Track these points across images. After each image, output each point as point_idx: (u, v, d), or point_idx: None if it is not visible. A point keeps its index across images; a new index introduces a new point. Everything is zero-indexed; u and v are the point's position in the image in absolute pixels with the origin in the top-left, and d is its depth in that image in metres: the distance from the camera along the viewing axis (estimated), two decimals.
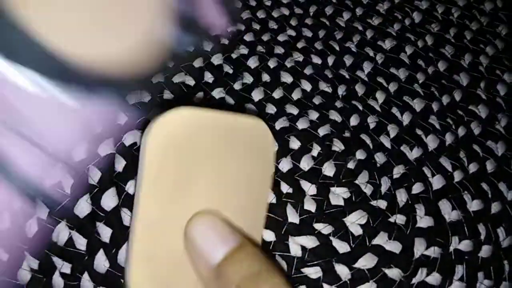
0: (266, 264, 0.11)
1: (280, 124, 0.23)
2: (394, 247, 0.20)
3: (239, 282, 0.11)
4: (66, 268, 0.19)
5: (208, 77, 0.24)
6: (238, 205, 0.14)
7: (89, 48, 0.13)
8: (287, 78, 0.24)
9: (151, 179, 0.12)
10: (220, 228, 0.12)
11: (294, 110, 0.23)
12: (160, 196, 0.12)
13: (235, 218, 0.13)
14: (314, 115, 0.23)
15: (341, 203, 0.21)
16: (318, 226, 0.20)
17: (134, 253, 0.12)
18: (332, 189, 0.21)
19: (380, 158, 0.22)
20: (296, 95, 0.24)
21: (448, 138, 0.24)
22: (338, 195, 0.21)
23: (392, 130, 0.23)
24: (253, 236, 0.14)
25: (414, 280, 0.20)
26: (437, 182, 0.22)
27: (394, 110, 0.24)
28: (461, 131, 0.24)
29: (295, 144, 0.22)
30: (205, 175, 0.13)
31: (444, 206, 0.22)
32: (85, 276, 0.19)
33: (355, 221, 0.20)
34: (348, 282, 0.19)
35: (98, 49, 0.13)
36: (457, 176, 0.23)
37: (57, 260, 0.19)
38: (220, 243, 0.12)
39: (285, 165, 0.21)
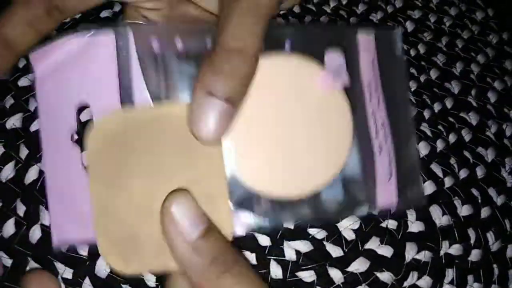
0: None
1: None
2: (386, 251, 0.21)
3: (216, 253, 0.14)
4: (68, 273, 0.19)
5: None
6: (182, 177, 0.16)
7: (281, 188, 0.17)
8: None
9: (94, 171, 0.16)
10: (195, 208, 0.15)
11: None
12: (104, 180, 0.16)
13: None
14: None
15: None
16: (312, 231, 0.21)
17: (97, 232, 0.16)
18: None
19: None
20: None
21: (439, 145, 0.25)
22: None
23: None
24: (215, 196, 0.16)
25: (406, 284, 0.20)
26: (428, 188, 0.23)
27: None
28: (452, 138, 0.25)
29: None
30: (143, 162, 0.16)
31: (435, 211, 0.22)
32: (86, 281, 0.19)
33: (348, 226, 0.21)
34: (341, 285, 0.19)
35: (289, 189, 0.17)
36: (448, 182, 0.24)
37: (59, 266, 0.19)
38: (198, 220, 0.14)
39: None
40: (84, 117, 0.18)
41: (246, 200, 0.17)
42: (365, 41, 0.19)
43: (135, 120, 0.16)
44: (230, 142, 0.17)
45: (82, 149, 0.17)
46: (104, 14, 0.25)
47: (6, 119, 0.21)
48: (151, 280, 0.20)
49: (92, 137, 0.16)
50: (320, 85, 0.18)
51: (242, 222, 0.18)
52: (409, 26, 0.30)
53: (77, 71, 0.17)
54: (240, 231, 0.17)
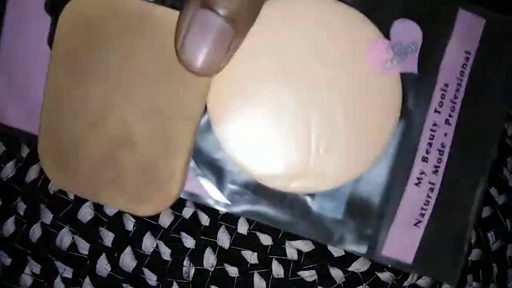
0: None
1: None
2: None
3: None
4: (68, 272, 0.19)
5: None
6: (148, 101, 0.13)
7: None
8: None
9: (58, 55, 0.13)
10: None
11: None
12: (65, 70, 0.13)
13: (138, 114, 0.13)
14: None
15: None
16: None
17: (41, 125, 0.14)
18: None
19: None
20: None
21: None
22: None
23: None
24: (174, 143, 0.13)
25: (406, 283, 0.20)
26: None
27: None
28: None
29: None
30: (110, 62, 0.13)
31: None
32: (87, 280, 0.19)
33: None
34: (342, 285, 0.19)
35: None
36: None
37: (59, 265, 0.19)
38: None
39: None
40: None
41: (218, 169, 0.14)
42: (467, 24, 0.13)
43: (120, 11, 0.13)
44: (226, 93, 0.13)
45: (53, 22, 0.15)
46: None
47: None
48: (152, 279, 0.20)
49: (66, 15, 0.14)
50: (372, 58, 0.13)
51: (198, 190, 0.14)
52: None
53: None
54: (190, 200, 0.14)
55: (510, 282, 0.22)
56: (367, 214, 0.14)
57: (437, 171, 0.14)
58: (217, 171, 0.14)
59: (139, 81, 0.13)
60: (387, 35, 0.13)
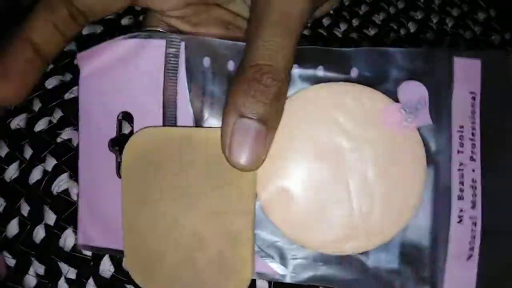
0: None
1: None
2: None
3: None
4: (72, 273, 0.19)
5: None
6: (208, 207, 0.16)
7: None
8: None
9: (127, 184, 0.16)
10: None
11: None
12: (134, 195, 0.16)
13: (204, 219, 0.16)
14: None
15: None
16: None
17: (124, 245, 0.16)
18: None
19: None
20: None
21: None
22: None
23: None
24: (238, 236, 0.15)
25: None
26: None
27: None
28: None
29: None
30: (172, 183, 0.16)
31: None
32: (90, 282, 0.19)
33: None
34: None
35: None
36: None
37: (63, 266, 0.19)
38: None
39: None
40: (125, 125, 0.19)
41: (279, 247, 0.15)
42: (465, 68, 0.15)
43: (171, 139, 0.16)
44: (272, 181, 0.15)
45: (118, 158, 0.17)
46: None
47: (10, 119, 0.21)
48: None
49: (128, 151, 0.16)
50: (389, 121, 0.15)
51: (266, 269, 0.16)
52: (412, 27, 0.30)
53: (123, 76, 0.16)
54: (261, 279, 0.16)
55: None
56: (421, 258, 0.15)
57: (474, 205, 0.15)
58: (278, 250, 0.16)
59: (198, 192, 0.16)
60: (396, 99, 0.15)
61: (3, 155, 0.21)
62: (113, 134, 0.17)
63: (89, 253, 0.20)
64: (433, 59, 0.15)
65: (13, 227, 0.20)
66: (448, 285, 0.15)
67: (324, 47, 0.16)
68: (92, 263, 0.19)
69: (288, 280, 0.16)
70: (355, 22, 0.29)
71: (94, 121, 0.17)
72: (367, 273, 0.15)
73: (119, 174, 0.17)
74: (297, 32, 0.14)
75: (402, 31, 0.29)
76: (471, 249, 0.15)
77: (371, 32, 0.29)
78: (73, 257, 0.20)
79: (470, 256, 0.15)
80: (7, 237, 0.20)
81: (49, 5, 0.16)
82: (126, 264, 0.17)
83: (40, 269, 0.19)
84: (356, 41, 0.29)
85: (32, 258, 0.19)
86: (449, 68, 0.15)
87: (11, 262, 0.19)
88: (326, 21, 0.29)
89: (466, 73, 0.15)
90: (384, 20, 0.30)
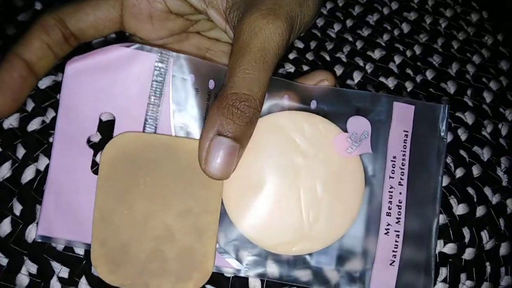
0: None
1: None
2: None
3: None
4: (64, 272, 0.19)
5: None
6: (180, 205, 0.18)
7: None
8: None
9: (103, 181, 0.17)
10: None
11: None
12: (110, 192, 0.17)
13: (174, 216, 0.18)
14: None
15: None
16: None
17: (93, 237, 0.17)
18: None
19: None
20: None
21: None
22: None
23: None
24: (204, 233, 0.18)
25: None
26: None
27: None
28: (448, 137, 0.25)
29: None
30: (148, 184, 0.18)
31: None
32: (83, 280, 0.19)
33: None
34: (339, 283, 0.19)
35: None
36: (444, 180, 0.24)
37: (55, 265, 0.19)
38: None
39: None
40: (105, 125, 0.19)
41: (236, 245, 0.18)
42: (402, 111, 0.18)
43: (150, 145, 0.18)
44: (237, 188, 0.18)
45: (94, 154, 0.18)
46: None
47: (3, 119, 0.21)
48: None
49: (108, 150, 0.18)
50: (337, 147, 0.18)
51: (223, 264, 0.18)
52: (405, 27, 0.30)
53: (111, 80, 0.18)
54: (219, 272, 0.18)
55: (503, 280, 0.22)
56: (353, 261, 0.18)
57: (399, 221, 0.18)
58: (235, 247, 0.19)
59: (171, 192, 0.18)
60: (344, 129, 0.19)
61: None
62: (92, 131, 0.18)
63: (81, 251, 0.20)
64: (378, 101, 0.18)
65: (5, 226, 0.20)
66: (374, 284, 0.18)
67: (290, 81, 0.19)
68: (84, 262, 0.19)
69: (242, 274, 0.19)
70: (349, 23, 0.29)
71: (74, 117, 0.18)
72: (310, 270, 0.18)
73: (93, 170, 0.18)
74: (273, 66, 0.17)
75: (396, 32, 0.29)
76: (394, 256, 0.18)
77: (365, 32, 0.29)
78: (66, 256, 0.20)
79: (392, 262, 0.18)
80: None
81: (44, 26, 0.18)
82: (92, 258, 0.17)
83: (33, 268, 0.19)
84: (350, 41, 0.29)
85: (25, 257, 0.19)
86: (389, 110, 0.18)
87: (3, 261, 0.19)
88: (320, 22, 0.29)
89: (402, 115, 0.18)
90: (377, 20, 0.30)
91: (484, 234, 0.23)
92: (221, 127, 0.16)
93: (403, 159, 0.18)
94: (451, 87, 0.27)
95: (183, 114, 0.18)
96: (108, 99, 0.18)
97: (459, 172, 0.24)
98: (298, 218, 0.18)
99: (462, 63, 0.29)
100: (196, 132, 0.18)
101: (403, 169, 0.18)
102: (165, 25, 0.20)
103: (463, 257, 0.22)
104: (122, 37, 0.23)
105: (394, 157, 0.18)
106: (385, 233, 0.18)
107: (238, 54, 0.16)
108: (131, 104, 0.18)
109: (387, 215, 0.18)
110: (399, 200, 0.18)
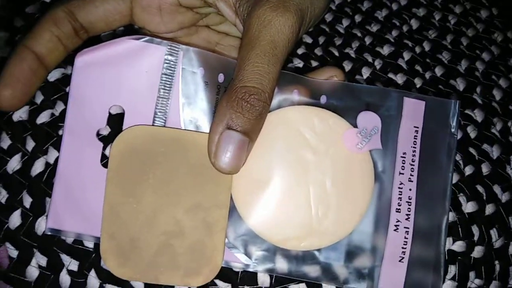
0: None
1: None
2: None
3: None
4: (74, 265, 0.19)
5: None
6: (189, 200, 0.18)
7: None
8: None
9: (113, 174, 0.17)
10: None
11: None
12: (119, 185, 0.17)
13: (184, 210, 0.18)
14: None
15: None
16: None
17: (102, 231, 0.17)
18: None
19: None
20: None
21: None
22: None
23: None
24: (213, 227, 0.18)
25: None
26: None
27: None
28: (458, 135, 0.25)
29: None
30: (157, 177, 0.17)
31: None
32: (92, 273, 0.19)
33: None
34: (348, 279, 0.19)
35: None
36: (453, 178, 0.23)
37: (65, 258, 0.19)
38: None
39: None
40: (114, 118, 0.19)
41: (245, 240, 0.18)
42: (412, 107, 0.18)
43: (160, 138, 0.18)
44: (246, 183, 0.18)
45: (104, 147, 0.18)
46: None
47: (12, 111, 0.21)
48: None
49: (118, 143, 0.17)
50: (346, 143, 0.18)
51: (232, 259, 0.18)
52: (414, 23, 0.29)
53: (121, 73, 0.18)
54: (228, 266, 0.18)
55: None
56: (362, 258, 0.18)
57: (408, 218, 0.18)
58: (244, 242, 0.18)
59: (180, 186, 0.18)
60: (354, 125, 0.18)
61: (5, 147, 0.21)
62: (102, 124, 0.18)
63: (91, 245, 0.20)
64: (388, 96, 0.18)
65: (15, 219, 0.20)
66: (383, 280, 0.18)
67: (300, 75, 0.18)
68: (93, 255, 0.19)
69: (251, 269, 0.19)
70: (357, 18, 0.29)
71: (83, 110, 0.18)
72: (318, 265, 0.18)
73: (103, 164, 0.18)
74: (283, 59, 0.17)
75: (405, 28, 0.29)
76: (403, 252, 0.18)
77: (374, 28, 0.29)
78: (75, 249, 0.20)
79: (401, 259, 0.18)
80: (9, 229, 0.20)
81: (54, 19, 0.18)
82: (101, 248, 0.17)
83: (43, 260, 0.20)
84: (359, 37, 0.28)
85: (35, 250, 0.19)
86: (400, 105, 0.18)
87: (14, 253, 0.19)
88: (328, 17, 0.29)
89: (413, 110, 0.18)
90: (386, 16, 0.30)
91: (493, 232, 0.23)
92: (231, 121, 0.16)
93: (413, 155, 0.18)
94: (460, 84, 0.27)
95: (193, 108, 0.18)
96: (117, 92, 0.18)
97: (468, 170, 0.24)
98: (307, 213, 0.18)
99: (472, 60, 0.28)
100: (205, 126, 0.18)
101: (413, 165, 0.18)
102: (175, 18, 0.20)
103: (472, 255, 0.22)
104: (131, 30, 0.23)
105: (404, 153, 0.18)
106: (395, 230, 0.18)
107: (247, 47, 0.16)
108: (141, 97, 0.18)
109: (396, 211, 0.18)
110: (409, 196, 0.18)
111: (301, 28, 0.17)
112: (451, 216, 0.22)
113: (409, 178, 0.18)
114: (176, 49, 0.18)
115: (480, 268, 0.22)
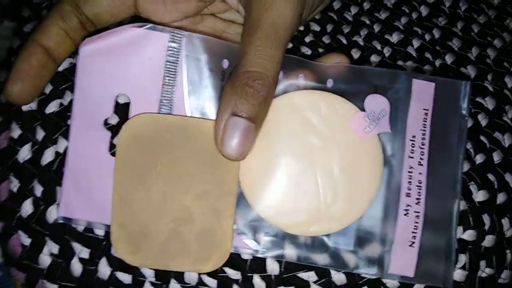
0: None
1: None
2: None
3: None
4: (85, 253, 0.20)
5: None
6: (198, 187, 0.18)
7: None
8: None
9: (120, 163, 0.17)
10: None
11: None
12: (127, 174, 0.17)
13: (193, 197, 0.18)
14: None
15: None
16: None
17: (112, 219, 0.17)
18: None
19: None
20: None
21: None
22: None
23: None
24: (222, 214, 0.18)
25: None
26: None
27: None
28: (468, 122, 0.24)
29: None
30: (165, 165, 0.17)
31: None
32: (103, 261, 0.19)
33: None
34: (358, 265, 0.19)
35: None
36: (464, 166, 0.23)
37: (76, 245, 0.19)
38: None
39: None
40: (121, 107, 0.19)
41: (254, 226, 0.18)
42: (421, 88, 0.17)
43: (167, 126, 0.18)
44: (253, 169, 0.18)
45: (112, 136, 0.18)
46: None
47: None
48: None
49: (125, 132, 0.17)
50: (354, 127, 0.17)
51: (241, 244, 0.18)
52: (424, 10, 0.29)
53: (125, 61, 0.17)
54: (237, 252, 0.18)
55: None
56: (372, 243, 0.18)
57: (419, 202, 0.17)
58: (253, 228, 0.18)
59: (188, 173, 0.18)
60: (362, 108, 0.18)
61: (16, 137, 0.21)
62: (109, 113, 0.18)
63: (101, 232, 0.20)
64: (397, 79, 0.18)
65: (27, 207, 0.20)
66: (393, 266, 0.17)
67: (305, 60, 0.18)
68: (104, 243, 0.20)
69: (260, 255, 0.19)
70: (366, 5, 0.29)
71: (90, 99, 0.18)
72: (328, 252, 0.18)
73: (111, 153, 0.18)
74: (286, 42, 0.16)
75: (414, 15, 0.28)
76: (414, 237, 0.17)
77: (382, 15, 0.28)
78: (86, 237, 0.20)
79: (412, 243, 0.17)
80: (21, 217, 0.20)
81: (61, 13, 0.18)
82: (111, 237, 0.17)
83: (55, 248, 0.20)
84: (367, 24, 0.28)
85: (46, 238, 0.20)
86: (408, 87, 0.17)
87: (27, 241, 0.20)
88: (336, 4, 0.28)
89: (422, 92, 0.17)
90: (395, 3, 0.29)
91: (505, 221, 0.22)
92: (236, 107, 0.15)
93: (423, 138, 0.17)
94: (471, 72, 0.26)
95: (198, 95, 0.18)
96: (123, 80, 0.18)
97: (479, 158, 0.23)
98: (315, 198, 0.18)
99: (483, 47, 0.28)
100: (211, 113, 0.18)
101: (423, 148, 0.17)
102: (179, 7, 0.20)
103: (482, 244, 0.21)
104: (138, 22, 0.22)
105: (414, 136, 0.17)
106: (405, 214, 0.17)
107: (249, 31, 0.16)
108: (146, 85, 0.18)
109: (406, 195, 0.17)
110: (419, 180, 0.17)
111: (303, 12, 0.17)
112: (462, 204, 0.22)
113: (419, 161, 0.17)
114: (179, 35, 0.18)
115: (491, 257, 0.21)
